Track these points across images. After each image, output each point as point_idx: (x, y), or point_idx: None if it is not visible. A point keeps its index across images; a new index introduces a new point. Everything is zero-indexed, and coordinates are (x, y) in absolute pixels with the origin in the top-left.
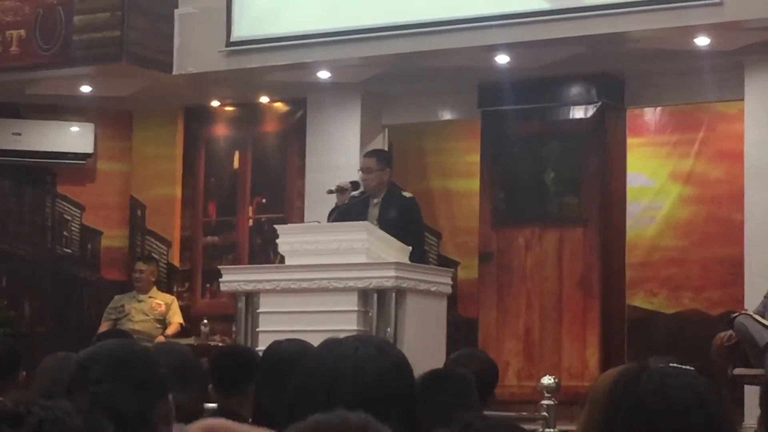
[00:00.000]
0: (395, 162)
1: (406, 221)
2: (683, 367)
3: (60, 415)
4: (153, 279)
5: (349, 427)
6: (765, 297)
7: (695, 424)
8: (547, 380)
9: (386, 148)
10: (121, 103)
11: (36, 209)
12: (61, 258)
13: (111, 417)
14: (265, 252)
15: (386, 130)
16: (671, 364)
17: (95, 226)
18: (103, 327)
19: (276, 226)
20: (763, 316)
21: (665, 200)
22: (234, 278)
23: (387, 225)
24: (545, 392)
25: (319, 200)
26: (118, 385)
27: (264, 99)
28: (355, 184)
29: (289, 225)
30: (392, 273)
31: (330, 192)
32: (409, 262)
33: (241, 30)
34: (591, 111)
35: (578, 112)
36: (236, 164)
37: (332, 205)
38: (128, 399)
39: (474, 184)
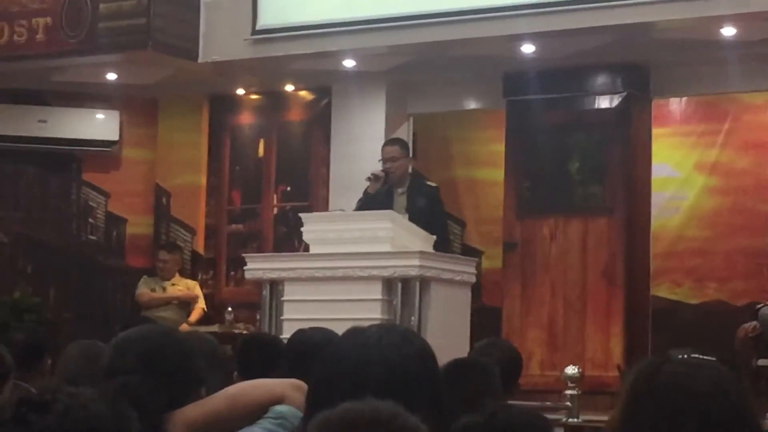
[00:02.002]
0: (420, 151)
1: (433, 210)
2: (705, 357)
3: (85, 403)
4: (177, 267)
5: (379, 417)
6: None
7: (718, 414)
8: (571, 370)
9: (411, 137)
10: (146, 90)
11: (61, 196)
12: (86, 245)
13: (138, 408)
14: (290, 240)
15: (411, 119)
16: (693, 355)
17: (120, 214)
18: (144, 295)
19: (300, 215)
20: None
21: (690, 191)
22: (258, 266)
23: (416, 214)
24: (569, 382)
25: (343, 189)
26: (148, 379)
27: (289, 87)
28: (387, 173)
29: (314, 213)
30: (416, 262)
31: (368, 179)
32: (433, 251)
33: (267, 18)
34: (616, 101)
35: (603, 102)
36: (261, 152)
37: (358, 194)
38: (157, 393)
39: (499, 173)
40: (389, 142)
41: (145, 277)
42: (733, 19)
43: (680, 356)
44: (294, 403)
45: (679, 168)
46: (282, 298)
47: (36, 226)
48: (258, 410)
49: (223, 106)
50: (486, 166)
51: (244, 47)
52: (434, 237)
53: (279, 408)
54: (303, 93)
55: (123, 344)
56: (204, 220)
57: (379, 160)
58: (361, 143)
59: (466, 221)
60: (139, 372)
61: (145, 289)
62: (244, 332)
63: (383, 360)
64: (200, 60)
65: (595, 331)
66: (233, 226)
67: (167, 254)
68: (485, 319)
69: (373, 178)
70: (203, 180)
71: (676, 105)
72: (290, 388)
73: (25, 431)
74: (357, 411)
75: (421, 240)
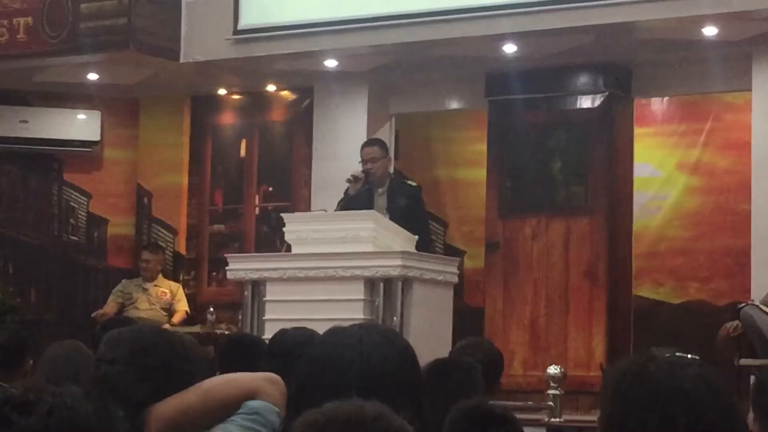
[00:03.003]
0: (402, 151)
1: (414, 210)
2: (689, 356)
3: (70, 402)
4: (160, 268)
5: (364, 416)
6: None
7: (709, 411)
8: (553, 370)
9: (393, 137)
10: (128, 90)
11: (42, 197)
12: (67, 245)
13: (117, 398)
14: (272, 240)
15: (393, 119)
16: (677, 354)
17: (102, 214)
18: (110, 307)
19: (283, 215)
20: None
21: (672, 190)
22: (240, 266)
23: (396, 214)
24: (551, 382)
25: (325, 189)
26: (129, 370)
27: (271, 87)
28: (367, 174)
29: (296, 213)
30: (399, 262)
31: (348, 181)
32: (415, 251)
33: (249, 18)
34: (598, 101)
35: (585, 102)
36: (243, 152)
37: (340, 194)
38: (137, 385)
39: (481, 173)
40: (368, 142)
41: (123, 281)
42: (715, 18)
43: (665, 355)
44: (268, 398)
45: (661, 168)
46: (264, 299)
47: (17, 226)
48: (231, 405)
49: (204, 106)
50: (468, 165)
51: (225, 47)
52: (416, 237)
53: (252, 403)
54: (285, 93)
55: (114, 337)
56: (186, 221)
57: (359, 161)
58: (343, 143)
59: (449, 221)
60: (125, 363)
61: (110, 305)
62: (226, 333)
63: (364, 360)
64: (182, 60)
65: (577, 331)
66: (215, 226)
67: (150, 255)
68: (467, 319)
69: (353, 179)
70: (185, 180)
71: (658, 105)
72: (264, 382)
73: None
74: (343, 411)
75: (403, 240)
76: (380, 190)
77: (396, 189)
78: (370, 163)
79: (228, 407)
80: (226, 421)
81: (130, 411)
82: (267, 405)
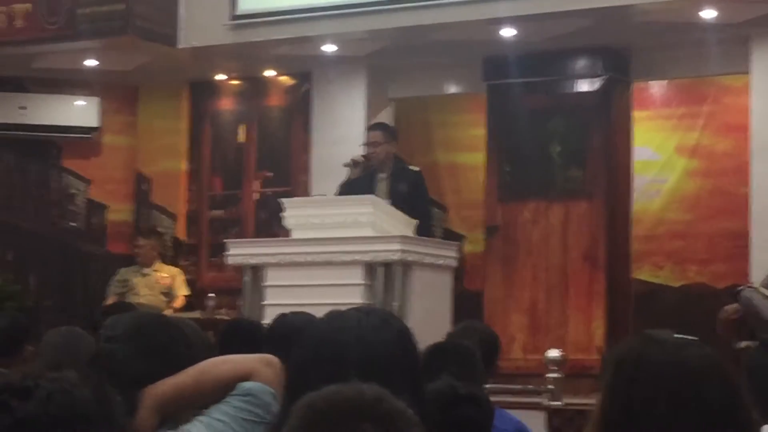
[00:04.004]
0: (401, 135)
1: (415, 195)
2: (688, 337)
3: (68, 388)
4: (155, 253)
5: (364, 399)
6: None
7: (714, 390)
8: (553, 353)
9: (392, 122)
10: (126, 77)
11: (41, 183)
12: (66, 232)
13: (114, 376)
14: (271, 226)
15: (392, 104)
16: (675, 335)
17: (101, 200)
18: (110, 300)
19: (282, 200)
20: None
21: (671, 173)
22: (240, 252)
23: (398, 199)
24: (551, 365)
25: (324, 174)
26: (128, 347)
27: (269, 73)
28: (368, 158)
29: (295, 198)
30: (398, 246)
31: (346, 165)
32: (414, 236)
33: (246, 3)
34: (597, 84)
35: (584, 86)
36: (242, 138)
37: (338, 179)
38: (135, 361)
39: (480, 157)
40: (373, 126)
41: (120, 269)
42: (713, 1)
43: (664, 337)
44: (264, 379)
45: (660, 151)
46: (263, 284)
47: (16, 213)
48: (226, 386)
49: (203, 91)
50: (467, 150)
51: (223, 33)
52: (415, 222)
53: (246, 384)
54: (283, 78)
55: (116, 319)
56: (185, 206)
57: (362, 144)
58: (342, 128)
59: (448, 206)
60: (125, 341)
61: (110, 299)
62: (226, 318)
63: (362, 343)
64: (180, 46)
65: (576, 315)
66: (214, 211)
67: (143, 240)
68: (467, 303)
69: (353, 164)
70: (184, 166)
71: (657, 88)
72: (260, 363)
73: (7, 418)
74: (342, 394)
75: (402, 224)
76: (382, 175)
77: (398, 174)
78: (372, 147)
79: (223, 388)
80: (221, 402)
81: (127, 389)
82: (262, 386)
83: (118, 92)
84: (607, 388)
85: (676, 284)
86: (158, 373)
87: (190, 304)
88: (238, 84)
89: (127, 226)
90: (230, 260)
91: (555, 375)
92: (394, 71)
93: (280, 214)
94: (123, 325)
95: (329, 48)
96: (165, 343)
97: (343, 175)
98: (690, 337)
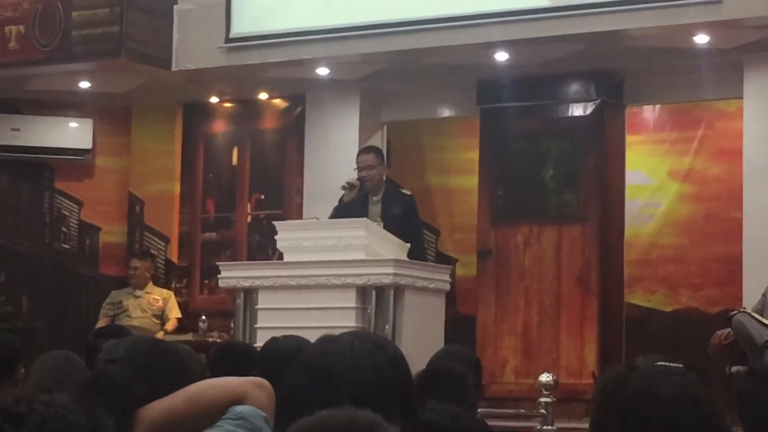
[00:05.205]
0: (394, 159)
1: (408, 219)
2: (672, 365)
3: (62, 412)
4: (149, 275)
5: (357, 425)
6: (763, 295)
7: (686, 420)
8: (545, 377)
9: (385, 145)
10: (119, 99)
11: (34, 205)
12: (59, 253)
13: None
14: (264, 248)
15: (385, 127)
16: (660, 363)
17: (94, 222)
18: (101, 323)
19: (274, 223)
20: (761, 314)
21: (664, 198)
22: (232, 274)
23: (391, 222)
24: (543, 389)
25: (317, 197)
26: (127, 368)
27: (263, 95)
28: (362, 181)
29: (288, 221)
30: (390, 270)
31: (343, 188)
32: (407, 259)
33: (240, 26)
34: (590, 108)
35: (577, 110)
36: (235, 160)
37: (332, 202)
38: (133, 383)
39: (473, 181)
40: (364, 150)
41: (112, 292)
42: (706, 26)
43: (650, 363)
44: (256, 403)
45: (653, 175)
46: (256, 307)
47: (9, 234)
48: (218, 409)
49: (196, 114)
50: (460, 173)
51: (217, 55)
52: (408, 245)
53: (238, 408)
54: (277, 101)
55: (114, 343)
56: (178, 229)
57: (355, 169)
58: (335, 151)
59: (440, 229)
60: (124, 363)
61: (102, 322)
62: (218, 341)
63: (355, 368)
64: (173, 68)
65: (569, 339)
66: (207, 234)
67: (138, 261)
68: (460, 327)
69: (348, 186)
70: (177, 188)
71: (650, 112)
72: (252, 386)
73: None
74: (335, 419)
75: (395, 248)
76: (375, 198)
77: (390, 197)
78: (365, 170)
79: (215, 411)
80: (213, 426)
81: (122, 412)
82: (254, 410)
83: (112, 114)
84: (591, 416)
85: (669, 309)
86: (158, 397)
87: (183, 326)
88: (231, 106)
89: (120, 248)
90: (222, 283)
91: (547, 399)
92: (388, 95)
93: (274, 237)
94: (123, 348)
95: (323, 71)
96: (165, 366)
97: (336, 198)
98: (675, 365)
